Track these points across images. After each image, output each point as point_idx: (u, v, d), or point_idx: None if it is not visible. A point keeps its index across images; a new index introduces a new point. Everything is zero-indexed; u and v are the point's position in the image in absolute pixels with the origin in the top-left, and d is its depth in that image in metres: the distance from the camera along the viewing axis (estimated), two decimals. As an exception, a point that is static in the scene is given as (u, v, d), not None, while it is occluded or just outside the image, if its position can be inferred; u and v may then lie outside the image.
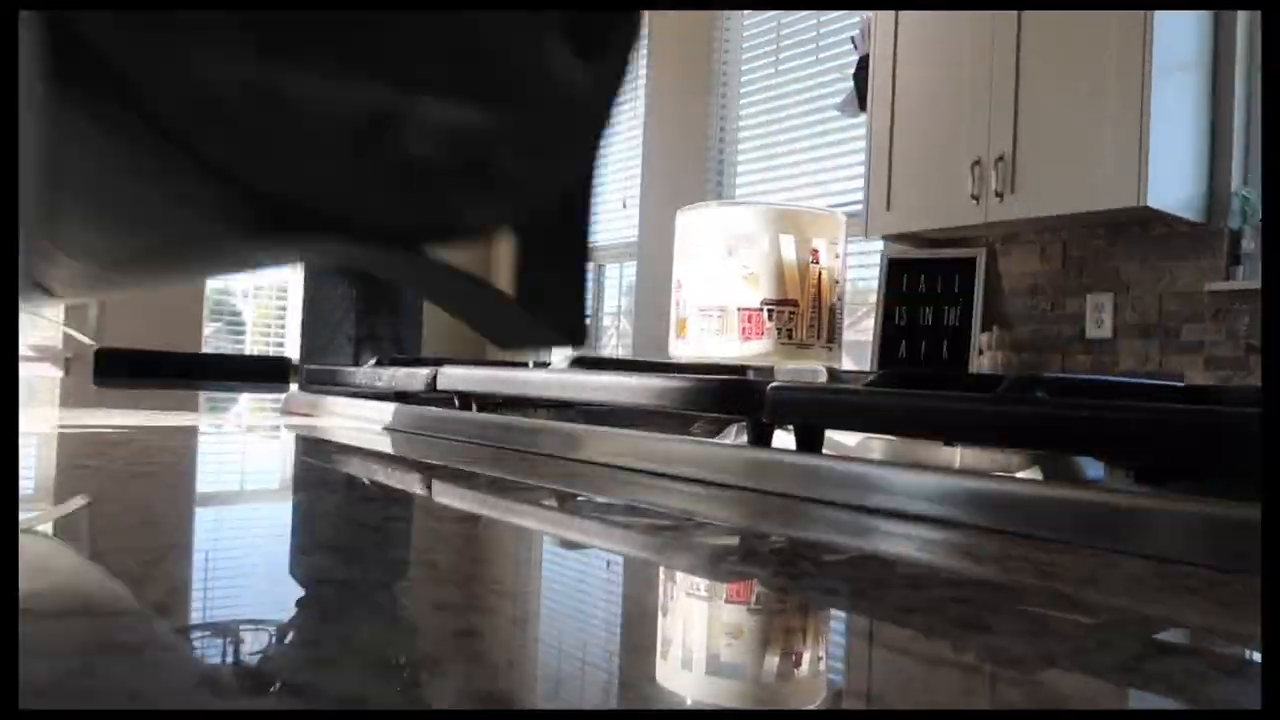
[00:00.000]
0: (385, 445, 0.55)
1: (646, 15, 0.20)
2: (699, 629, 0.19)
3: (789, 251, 1.01)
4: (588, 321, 0.21)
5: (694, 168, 3.32)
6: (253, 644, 0.17)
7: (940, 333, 2.50)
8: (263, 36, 0.15)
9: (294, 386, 1.05)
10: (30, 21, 0.13)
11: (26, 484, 0.39)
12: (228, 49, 0.14)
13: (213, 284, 3.70)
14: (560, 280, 0.21)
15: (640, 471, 0.42)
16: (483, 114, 0.18)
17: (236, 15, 0.14)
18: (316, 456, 0.50)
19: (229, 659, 0.16)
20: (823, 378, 0.74)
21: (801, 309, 1.01)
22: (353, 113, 0.16)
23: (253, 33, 0.15)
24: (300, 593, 0.20)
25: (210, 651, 0.17)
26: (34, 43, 0.13)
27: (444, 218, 0.18)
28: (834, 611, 0.20)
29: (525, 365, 0.69)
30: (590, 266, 0.22)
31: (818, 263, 1.02)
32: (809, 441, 0.40)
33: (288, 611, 0.19)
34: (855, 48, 2.75)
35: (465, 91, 0.17)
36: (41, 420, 0.70)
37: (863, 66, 2.63)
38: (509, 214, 0.20)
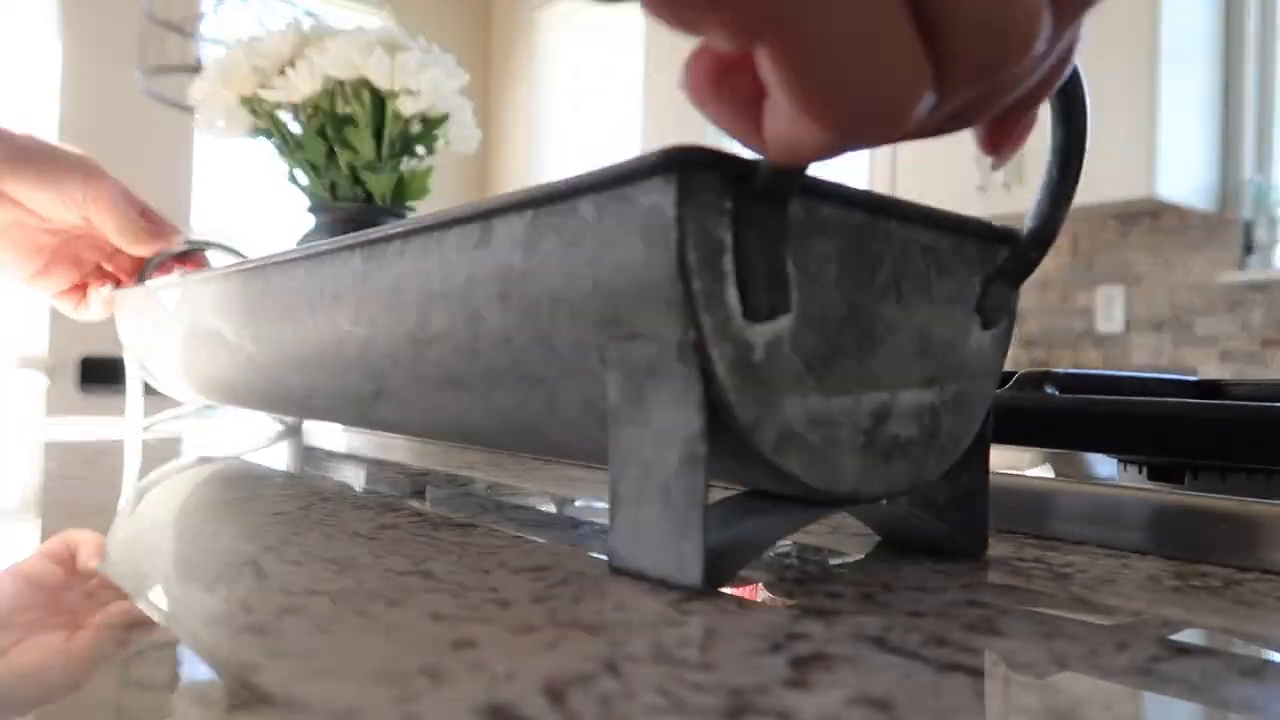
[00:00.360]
0: (376, 450, 0.55)
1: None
2: (700, 633, 0.18)
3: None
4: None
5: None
6: (245, 656, 0.16)
7: (949, 327, 2.49)
8: (818, 377, 0.21)
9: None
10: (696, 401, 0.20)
11: (12, 496, 0.39)
12: (800, 392, 0.21)
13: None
14: (966, 500, 0.26)
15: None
16: (935, 392, 0.24)
17: (807, 369, 0.21)
18: (307, 463, 0.50)
19: (220, 672, 0.16)
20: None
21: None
22: (864, 417, 0.22)
23: (813, 377, 0.21)
24: (294, 603, 0.20)
25: (201, 665, 0.16)
26: (700, 422, 0.20)
27: (915, 477, 0.24)
28: (840, 616, 0.20)
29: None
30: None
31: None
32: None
33: (281, 623, 0.18)
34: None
35: (925, 380, 0.24)
36: (25, 429, 0.70)
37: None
38: (950, 461, 0.25)
